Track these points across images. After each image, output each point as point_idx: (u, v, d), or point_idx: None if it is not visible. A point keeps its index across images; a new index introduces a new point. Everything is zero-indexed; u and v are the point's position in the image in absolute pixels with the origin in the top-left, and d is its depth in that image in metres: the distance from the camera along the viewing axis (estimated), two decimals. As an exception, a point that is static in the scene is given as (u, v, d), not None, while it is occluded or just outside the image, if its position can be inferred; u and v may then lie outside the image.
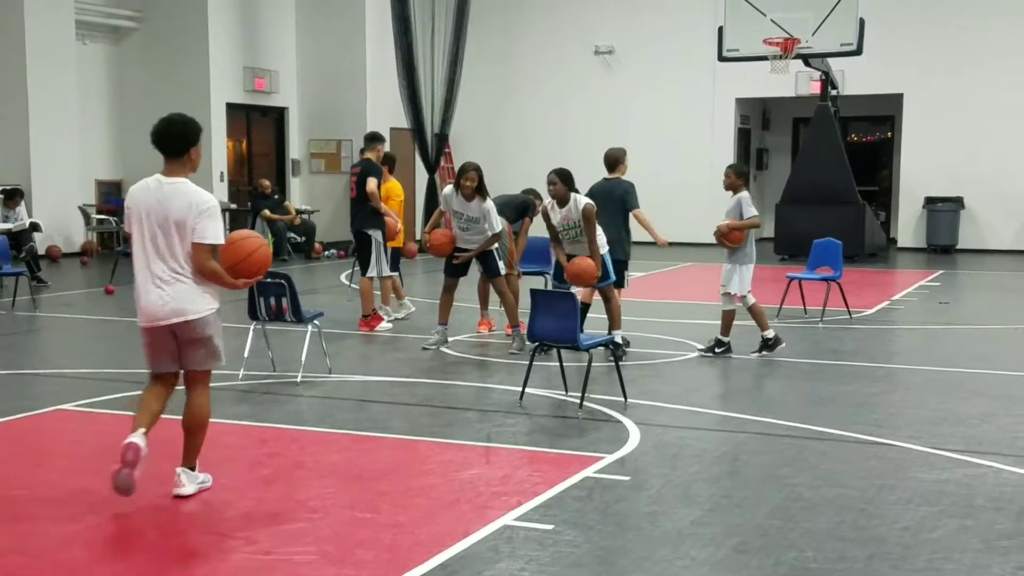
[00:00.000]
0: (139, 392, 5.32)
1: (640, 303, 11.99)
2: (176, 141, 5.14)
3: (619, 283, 9.35)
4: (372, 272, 10.41)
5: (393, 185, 11.23)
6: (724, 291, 9.11)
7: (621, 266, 9.34)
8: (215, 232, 5.08)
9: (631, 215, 9.32)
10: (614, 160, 9.50)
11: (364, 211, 10.41)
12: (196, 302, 5.07)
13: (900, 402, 7.55)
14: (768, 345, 9.12)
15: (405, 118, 20.37)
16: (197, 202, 5.08)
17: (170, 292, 5.02)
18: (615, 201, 9.28)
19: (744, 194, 9.09)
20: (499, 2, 22.43)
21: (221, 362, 5.28)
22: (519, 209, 10.32)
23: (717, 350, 9.08)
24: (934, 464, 5.88)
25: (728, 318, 9.10)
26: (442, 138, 21.15)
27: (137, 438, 4.96)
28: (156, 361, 5.18)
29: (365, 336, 10.08)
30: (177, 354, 5.15)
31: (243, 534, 4.67)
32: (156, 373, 5.21)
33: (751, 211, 9.03)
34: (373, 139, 10.95)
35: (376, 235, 10.36)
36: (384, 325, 10.40)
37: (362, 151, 11.18)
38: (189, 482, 5.21)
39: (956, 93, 19.78)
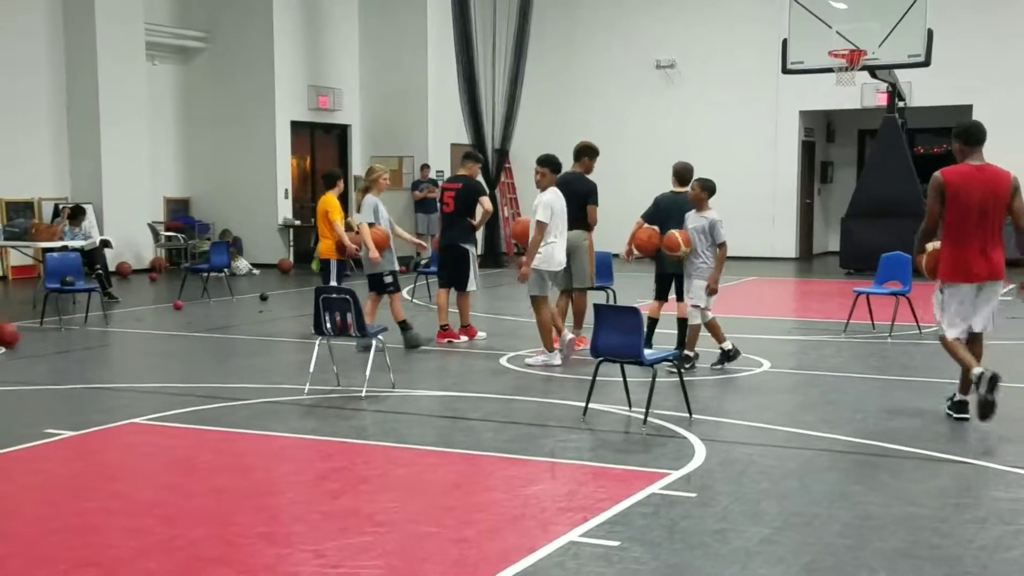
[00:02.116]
0: (207, 407, 5.38)
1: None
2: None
3: (679, 296, 9.32)
4: (472, 286, 10.57)
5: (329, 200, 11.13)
6: (694, 304, 8.94)
7: (679, 280, 9.34)
8: None
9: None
10: (688, 174, 9.46)
11: (459, 225, 10.55)
12: None
13: (973, 419, 7.38)
14: (729, 357, 9.06)
15: (466, 134, 20.48)
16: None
17: None
18: (684, 215, 9.22)
19: (717, 216, 8.94)
20: (559, 17, 22.49)
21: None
22: None
23: (686, 366, 8.87)
24: (1010, 482, 5.74)
25: (696, 332, 9.03)
26: (503, 154, 21.23)
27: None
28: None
29: (428, 351, 10.11)
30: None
31: (311, 547, 4.70)
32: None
33: (723, 236, 8.89)
34: (467, 157, 11.19)
35: (472, 249, 10.58)
36: (481, 334, 10.71)
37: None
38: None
39: (1027, 103, 19.37)
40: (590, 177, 10.04)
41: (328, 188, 11.37)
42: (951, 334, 7.10)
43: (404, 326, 10.14)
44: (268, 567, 4.54)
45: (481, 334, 10.75)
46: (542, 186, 9.36)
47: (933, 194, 7.04)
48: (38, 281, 14.07)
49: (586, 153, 10.12)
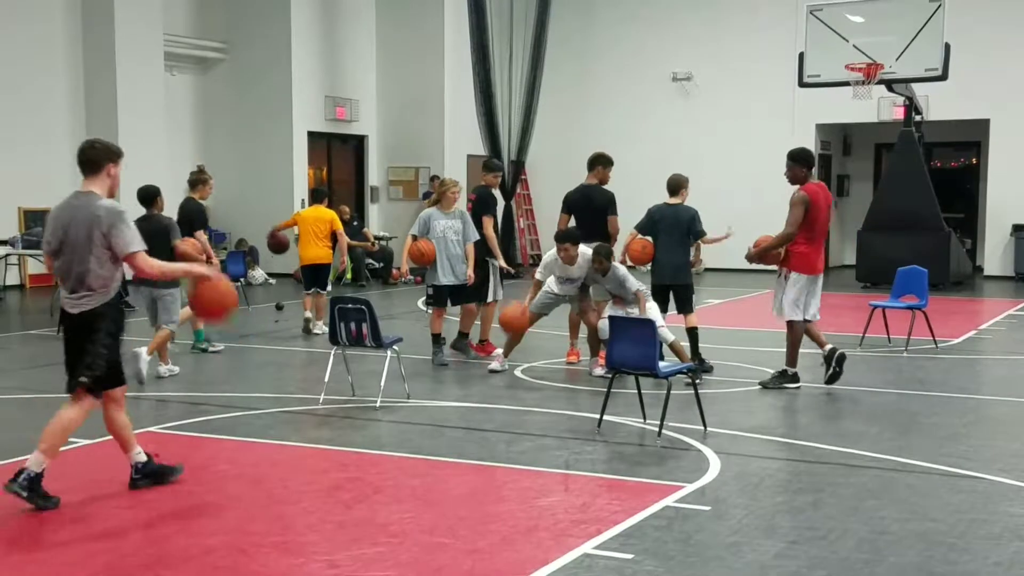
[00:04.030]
0: (222, 416, 5.38)
1: (719, 330, 11.89)
2: None
3: (687, 309, 9.32)
4: (491, 297, 10.50)
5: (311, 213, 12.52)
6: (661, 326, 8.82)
7: (688, 291, 9.35)
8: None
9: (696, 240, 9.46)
10: (679, 185, 9.60)
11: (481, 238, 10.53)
12: None
13: (990, 434, 7.35)
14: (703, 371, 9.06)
15: (482, 145, 20.53)
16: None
17: None
18: (681, 227, 9.28)
19: (621, 268, 8.98)
20: (576, 29, 22.53)
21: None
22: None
23: (703, 375, 8.82)
24: (1027, 499, 5.71)
25: (677, 343, 8.98)
26: (519, 165, 21.26)
27: None
28: None
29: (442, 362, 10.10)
30: None
31: (325, 557, 4.71)
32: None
33: (635, 284, 8.93)
34: (484, 167, 11.18)
35: (493, 261, 10.46)
36: (497, 352, 10.43)
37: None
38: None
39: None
40: (607, 187, 10.04)
41: (319, 201, 12.74)
42: (799, 316, 8.68)
43: (437, 340, 10.05)
44: (282, 576, 4.54)
45: (498, 351, 10.62)
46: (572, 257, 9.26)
47: (800, 207, 8.51)
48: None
49: (600, 162, 10.11)
